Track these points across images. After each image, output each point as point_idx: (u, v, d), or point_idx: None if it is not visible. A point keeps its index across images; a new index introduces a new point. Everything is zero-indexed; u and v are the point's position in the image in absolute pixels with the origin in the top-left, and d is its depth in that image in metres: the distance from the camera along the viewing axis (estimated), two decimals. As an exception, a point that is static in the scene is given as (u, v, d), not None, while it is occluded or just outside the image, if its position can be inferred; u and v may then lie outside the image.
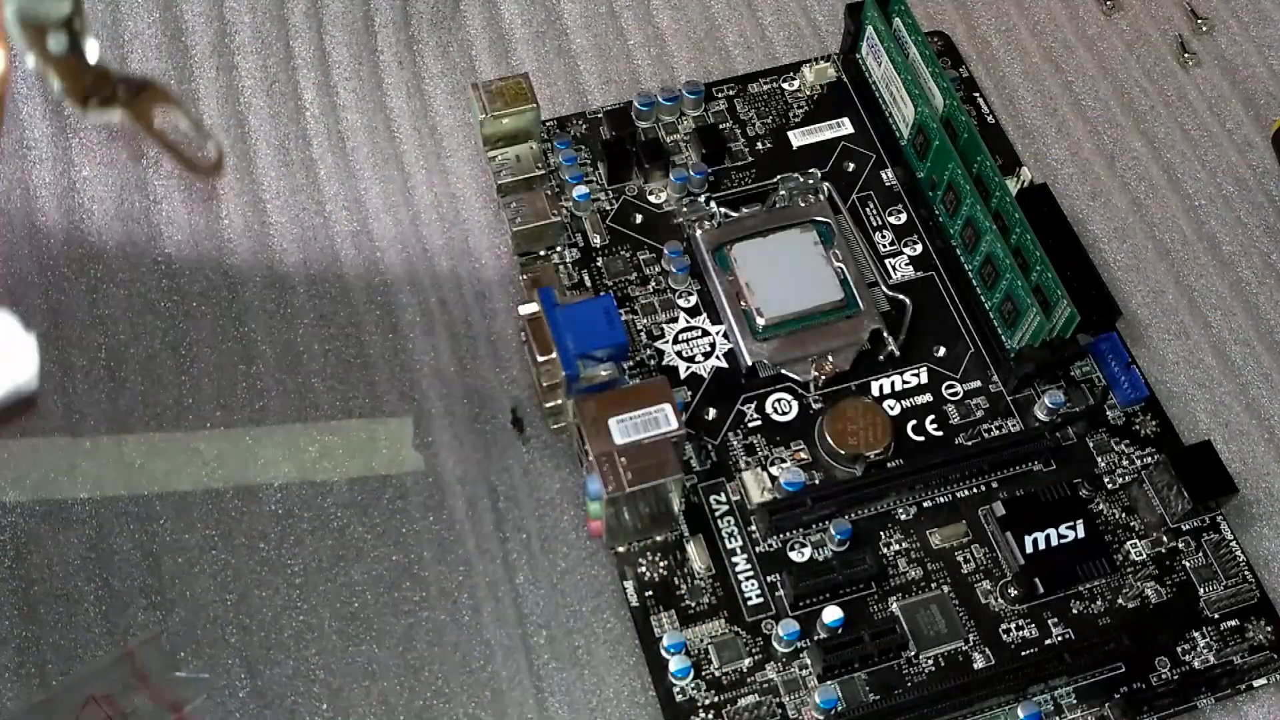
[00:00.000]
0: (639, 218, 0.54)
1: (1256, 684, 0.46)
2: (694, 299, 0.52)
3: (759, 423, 0.50)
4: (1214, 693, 0.45)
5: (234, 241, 0.55)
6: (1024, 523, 0.47)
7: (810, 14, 0.63)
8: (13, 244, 0.54)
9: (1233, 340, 0.54)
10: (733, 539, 0.47)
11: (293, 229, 0.55)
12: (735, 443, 0.49)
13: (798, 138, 0.57)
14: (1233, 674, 0.45)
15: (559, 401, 0.47)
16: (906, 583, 0.47)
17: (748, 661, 0.45)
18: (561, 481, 0.50)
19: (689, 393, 0.50)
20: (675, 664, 0.44)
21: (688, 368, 0.51)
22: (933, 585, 0.47)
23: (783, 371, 0.50)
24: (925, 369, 0.51)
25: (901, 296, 0.52)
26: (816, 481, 0.48)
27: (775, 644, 0.45)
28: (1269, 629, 0.46)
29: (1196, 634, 0.46)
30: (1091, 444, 0.50)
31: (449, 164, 0.57)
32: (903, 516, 0.48)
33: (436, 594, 0.47)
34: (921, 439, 0.50)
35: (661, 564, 0.47)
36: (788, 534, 0.47)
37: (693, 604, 0.46)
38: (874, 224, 0.55)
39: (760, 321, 0.50)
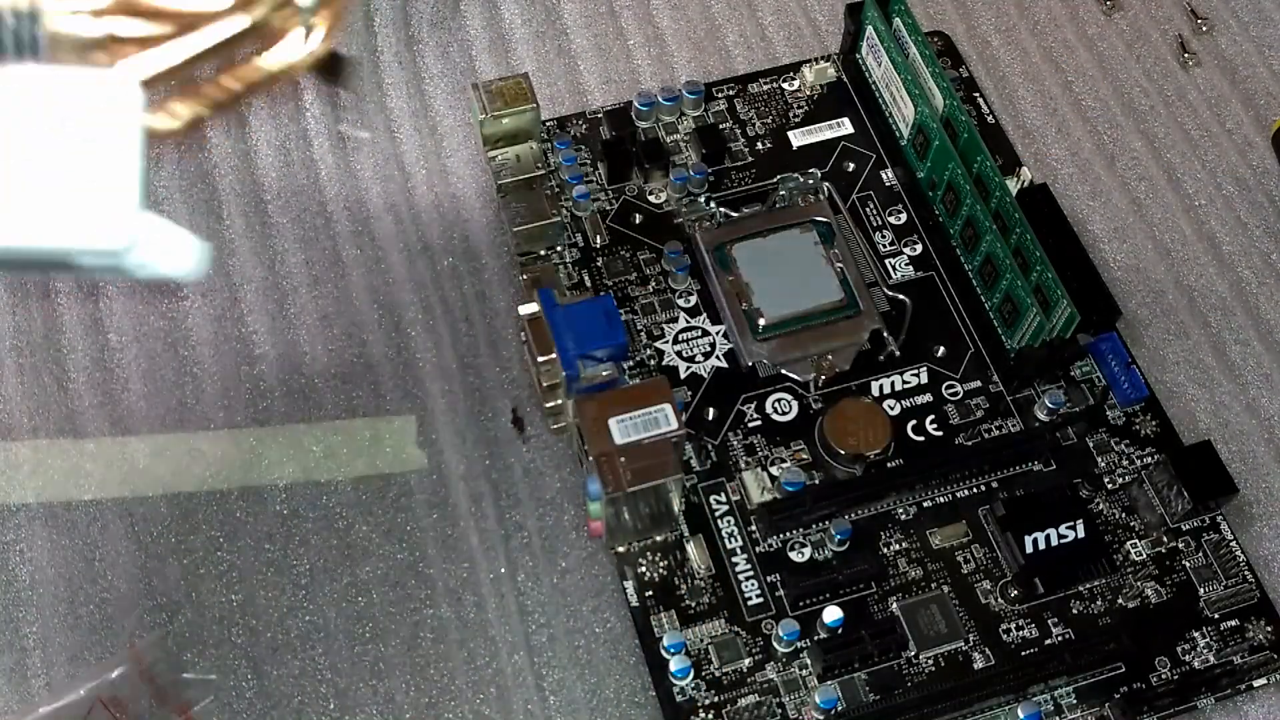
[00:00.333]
0: (639, 218, 0.54)
1: (1256, 684, 0.46)
2: (694, 299, 0.52)
3: (759, 423, 0.50)
4: (1214, 693, 0.45)
5: (235, 242, 0.55)
6: (1024, 523, 0.47)
7: (810, 14, 0.63)
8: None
9: (1233, 340, 0.54)
10: (733, 539, 0.47)
11: (294, 229, 0.55)
12: (735, 443, 0.49)
13: (798, 138, 0.57)
14: (1233, 674, 0.45)
15: (559, 401, 0.47)
16: (906, 583, 0.47)
17: (748, 661, 0.45)
18: (562, 481, 0.50)
19: (689, 393, 0.50)
20: (675, 664, 0.44)
21: (688, 368, 0.51)
22: (933, 585, 0.47)
23: (783, 371, 0.50)
24: (925, 369, 0.51)
25: (901, 296, 0.52)
26: (816, 481, 0.48)
27: (775, 644, 0.45)
28: (1269, 629, 0.46)
29: (1196, 634, 0.46)
30: (1091, 444, 0.50)
31: (449, 164, 0.57)
32: (903, 516, 0.48)
33: (442, 591, 0.48)
34: (921, 439, 0.50)
35: (661, 564, 0.47)
36: (788, 534, 0.47)
37: (693, 604, 0.46)
38: (874, 224, 0.55)
39: (760, 321, 0.50)
